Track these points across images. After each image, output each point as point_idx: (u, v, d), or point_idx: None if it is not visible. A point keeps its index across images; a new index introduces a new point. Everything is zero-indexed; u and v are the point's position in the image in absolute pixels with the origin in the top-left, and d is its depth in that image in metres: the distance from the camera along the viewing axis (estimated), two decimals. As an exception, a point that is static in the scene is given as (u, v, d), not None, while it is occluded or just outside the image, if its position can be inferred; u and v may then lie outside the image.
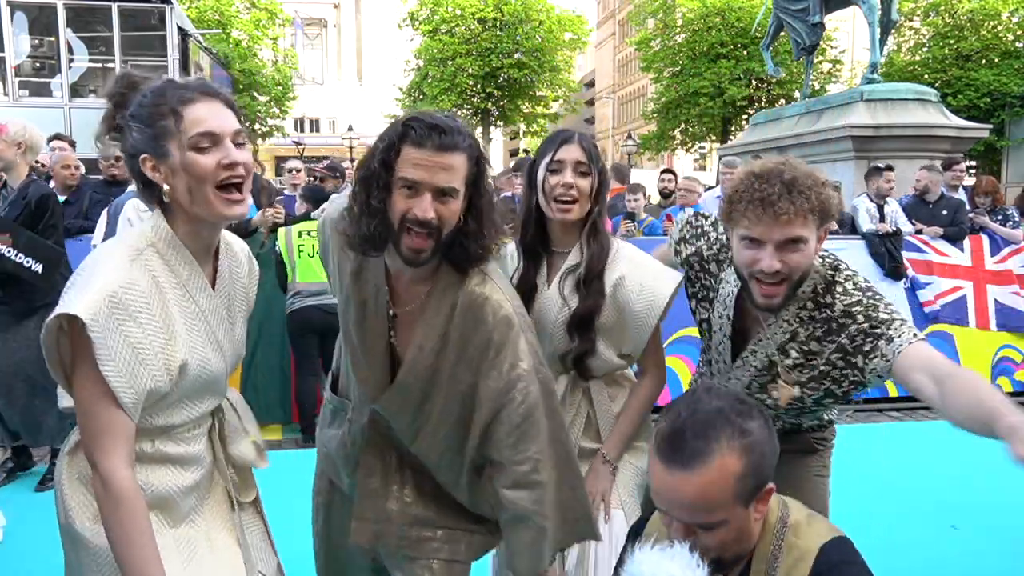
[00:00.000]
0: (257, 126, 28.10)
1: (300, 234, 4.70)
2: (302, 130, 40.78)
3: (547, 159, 1.97)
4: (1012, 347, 6.14)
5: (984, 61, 24.02)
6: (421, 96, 31.07)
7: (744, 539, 1.35)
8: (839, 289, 1.74)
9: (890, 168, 6.41)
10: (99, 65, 14.53)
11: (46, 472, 4.07)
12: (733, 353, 1.92)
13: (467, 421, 1.64)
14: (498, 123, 33.66)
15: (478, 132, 32.64)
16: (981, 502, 3.94)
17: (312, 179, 7.26)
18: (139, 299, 1.33)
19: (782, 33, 11.76)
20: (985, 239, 6.23)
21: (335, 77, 46.58)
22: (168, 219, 1.44)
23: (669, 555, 1.27)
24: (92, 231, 4.84)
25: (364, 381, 1.69)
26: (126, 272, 1.34)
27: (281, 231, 4.76)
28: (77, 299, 1.28)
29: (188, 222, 1.43)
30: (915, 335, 1.64)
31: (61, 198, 5.41)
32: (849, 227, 6.31)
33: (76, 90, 13.85)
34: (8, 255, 3.34)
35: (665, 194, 7.28)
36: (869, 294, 1.74)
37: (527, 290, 2.02)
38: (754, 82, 27.22)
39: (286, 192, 7.67)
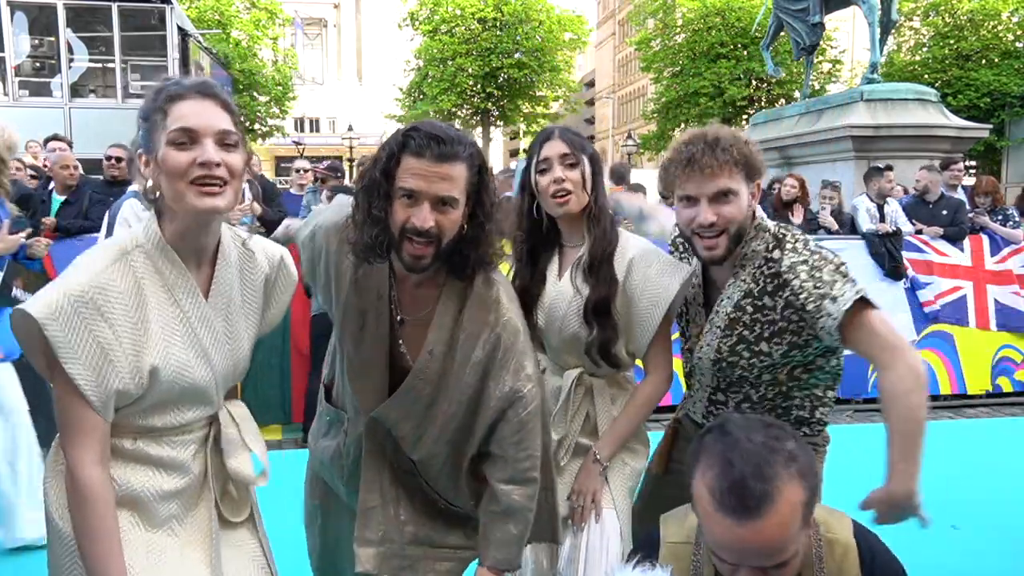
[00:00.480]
0: (257, 126, 28.08)
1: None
2: (302, 130, 40.76)
3: (534, 160, 1.99)
4: (1012, 347, 6.14)
5: (984, 61, 24.01)
6: (421, 96, 31.07)
7: (802, 559, 1.32)
8: (788, 247, 1.83)
9: (890, 168, 6.42)
10: (99, 65, 14.55)
11: None
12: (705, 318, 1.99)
13: (471, 426, 1.67)
14: (498, 123, 33.65)
15: (478, 132, 32.67)
16: (981, 502, 3.94)
17: (314, 179, 7.33)
18: (114, 299, 1.33)
19: (782, 33, 11.77)
20: (985, 239, 6.23)
21: (335, 77, 46.58)
22: (161, 220, 1.42)
23: None
24: (93, 231, 4.85)
25: (360, 391, 1.69)
26: (102, 272, 1.33)
27: None
28: (39, 298, 1.29)
29: (178, 222, 1.42)
30: (857, 292, 1.70)
31: (60, 198, 5.43)
32: (849, 227, 6.31)
33: (76, 90, 13.87)
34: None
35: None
36: (817, 255, 1.81)
37: (527, 288, 2.02)
38: (754, 82, 27.21)
39: (291, 191, 7.69)
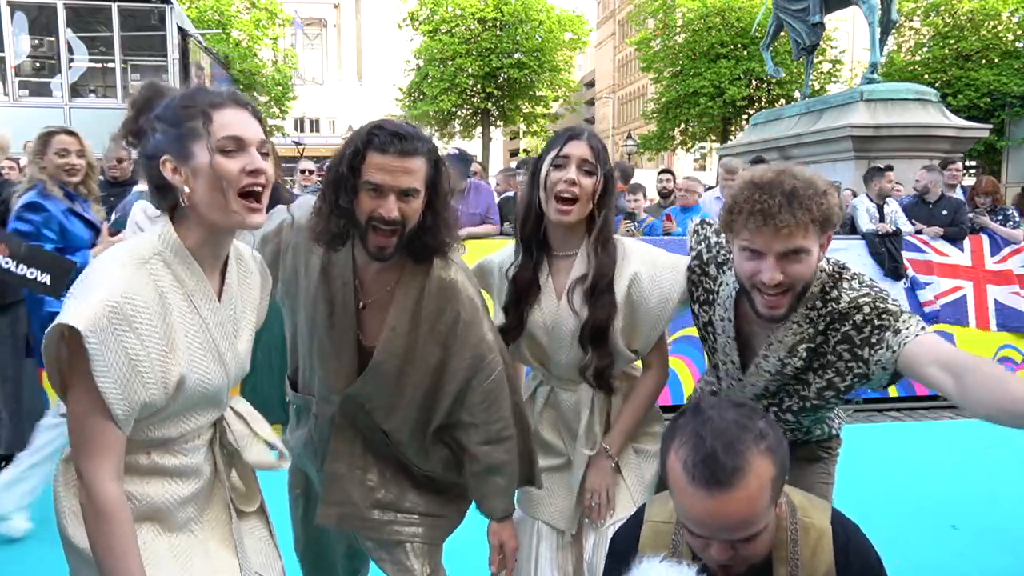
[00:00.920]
0: (257, 126, 28.06)
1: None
2: (302, 130, 40.72)
3: (552, 154, 1.93)
4: (1012, 347, 6.14)
5: (984, 61, 23.99)
6: (421, 96, 31.06)
7: (771, 536, 1.38)
8: (845, 285, 1.74)
9: (890, 168, 6.42)
10: (99, 65, 14.54)
11: None
12: (740, 355, 1.91)
13: (436, 393, 1.82)
14: (498, 123, 33.63)
15: (478, 132, 32.68)
16: (981, 502, 3.94)
17: (317, 180, 7.36)
18: (140, 310, 1.31)
19: (782, 33, 11.78)
20: (985, 239, 6.23)
21: (335, 77, 46.58)
22: (178, 226, 1.41)
23: (677, 571, 1.28)
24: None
25: (331, 373, 1.81)
26: (128, 281, 1.31)
27: None
28: (77, 309, 1.26)
29: (201, 230, 1.41)
30: (923, 328, 1.64)
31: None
32: (849, 227, 6.31)
33: (76, 90, 13.86)
34: (7, 266, 3.34)
35: (664, 194, 7.28)
36: (876, 289, 1.75)
37: (525, 285, 2.00)
38: (754, 82, 27.20)
39: (294, 191, 7.72)
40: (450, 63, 29.94)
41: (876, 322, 1.67)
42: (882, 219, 6.06)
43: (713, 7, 26.88)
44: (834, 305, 1.72)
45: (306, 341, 1.89)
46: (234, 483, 1.62)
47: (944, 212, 6.22)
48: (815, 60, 18.02)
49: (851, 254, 5.72)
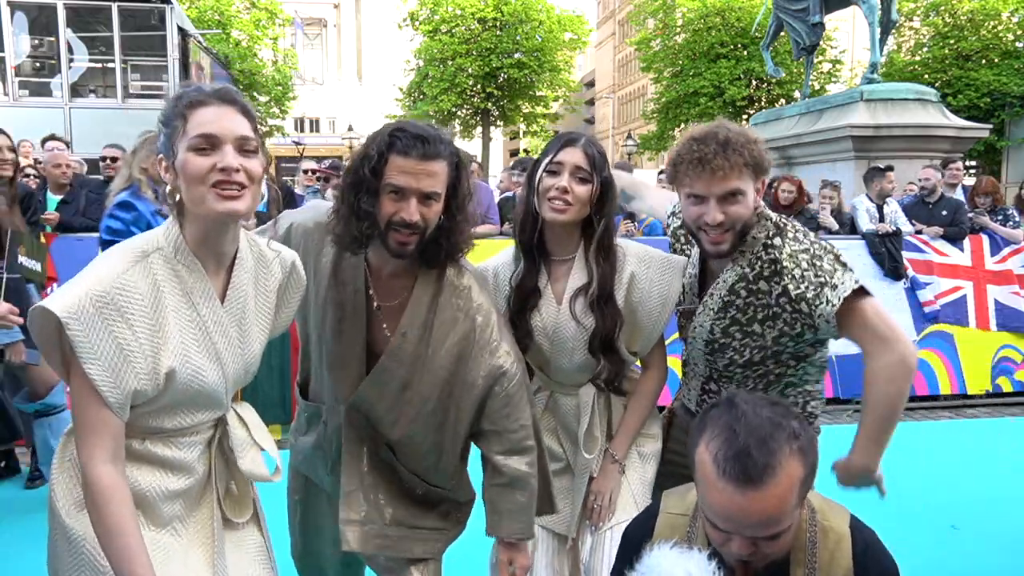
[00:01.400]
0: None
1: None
2: (302, 130, 40.73)
3: (547, 160, 1.93)
4: (1012, 347, 6.14)
5: (984, 61, 23.99)
6: (421, 96, 31.06)
7: (792, 536, 1.37)
8: (790, 235, 1.87)
9: (890, 168, 6.42)
10: (99, 65, 14.54)
11: (31, 470, 4.06)
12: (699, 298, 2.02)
13: (446, 406, 1.77)
14: (498, 123, 33.62)
15: (478, 132, 32.67)
16: (981, 502, 3.94)
17: (317, 179, 7.37)
18: (134, 301, 1.34)
19: (782, 33, 11.77)
20: (985, 239, 6.24)
21: (335, 77, 46.57)
22: (181, 225, 1.44)
23: (687, 556, 1.29)
24: (94, 230, 4.86)
25: (339, 380, 1.78)
26: (122, 273, 1.35)
27: None
28: (60, 295, 1.30)
29: (197, 226, 1.44)
30: (856, 281, 1.77)
31: (57, 198, 5.44)
32: (849, 227, 6.31)
33: (76, 90, 13.85)
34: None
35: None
36: (817, 245, 1.85)
37: (528, 292, 2.00)
38: (754, 82, 27.20)
39: (296, 191, 7.74)
40: (450, 63, 29.94)
41: (813, 277, 1.79)
42: (882, 219, 6.06)
43: (713, 7, 26.87)
44: (775, 253, 1.85)
45: (316, 348, 1.86)
46: (228, 488, 1.61)
47: (944, 212, 6.22)
48: (815, 60, 18.01)
49: (851, 254, 5.70)
